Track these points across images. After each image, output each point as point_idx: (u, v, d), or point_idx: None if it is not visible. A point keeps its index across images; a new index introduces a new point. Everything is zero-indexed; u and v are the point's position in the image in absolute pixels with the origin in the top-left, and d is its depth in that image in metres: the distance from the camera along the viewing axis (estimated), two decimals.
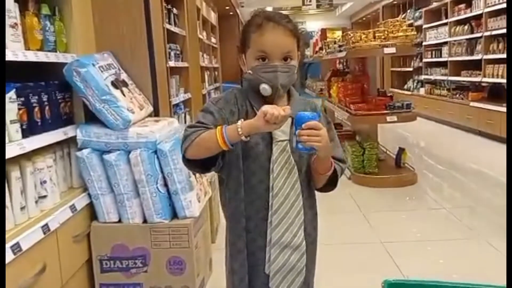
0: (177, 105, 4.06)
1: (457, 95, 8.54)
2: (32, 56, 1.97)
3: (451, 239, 3.40)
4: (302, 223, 1.43)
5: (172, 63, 3.78)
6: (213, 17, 7.93)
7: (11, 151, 1.77)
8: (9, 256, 1.68)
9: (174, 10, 4.29)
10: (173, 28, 4.06)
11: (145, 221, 2.40)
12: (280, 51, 1.36)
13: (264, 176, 1.41)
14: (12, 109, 1.82)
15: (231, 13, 10.90)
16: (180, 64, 4.32)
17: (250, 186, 1.43)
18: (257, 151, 1.40)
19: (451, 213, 3.96)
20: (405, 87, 11.82)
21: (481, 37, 7.70)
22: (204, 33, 6.70)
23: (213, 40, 7.74)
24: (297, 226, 1.42)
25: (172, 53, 4.02)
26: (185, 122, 4.27)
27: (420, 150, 6.96)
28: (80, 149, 2.36)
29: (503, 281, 1.30)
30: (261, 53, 1.36)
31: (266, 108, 1.26)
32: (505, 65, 6.76)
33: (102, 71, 2.37)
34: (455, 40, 8.87)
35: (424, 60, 10.51)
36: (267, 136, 1.40)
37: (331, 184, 1.49)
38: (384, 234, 3.48)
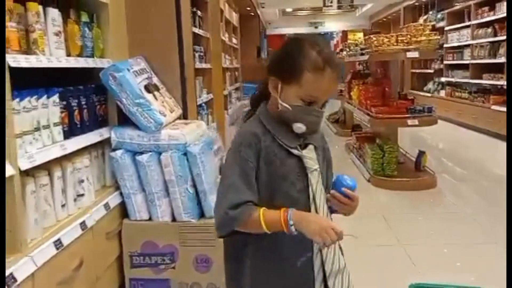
0: (200, 106, 4.13)
1: (479, 98, 8.48)
2: (73, 62, 2.08)
3: (470, 244, 3.42)
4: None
5: (196, 65, 3.87)
6: (234, 18, 8.01)
7: (55, 152, 1.88)
8: (51, 251, 1.79)
9: (199, 13, 4.38)
10: (197, 30, 4.15)
11: (174, 219, 2.49)
12: (328, 97, 1.32)
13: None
14: (55, 112, 1.94)
15: (251, 13, 10.97)
16: (203, 65, 4.41)
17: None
18: (289, 183, 1.34)
19: (470, 217, 3.97)
20: (425, 89, 11.72)
21: (504, 40, 7.64)
22: (226, 35, 6.78)
23: (234, 41, 7.82)
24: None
25: (197, 55, 4.12)
26: (208, 123, 4.33)
27: (440, 153, 6.93)
28: (114, 150, 2.46)
29: None
30: (310, 97, 1.28)
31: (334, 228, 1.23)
32: None
33: (136, 76, 2.47)
34: (477, 43, 8.80)
35: (445, 62, 10.43)
36: (298, 167, 1.34)
37: None
38: (403, 237, 3.53)
